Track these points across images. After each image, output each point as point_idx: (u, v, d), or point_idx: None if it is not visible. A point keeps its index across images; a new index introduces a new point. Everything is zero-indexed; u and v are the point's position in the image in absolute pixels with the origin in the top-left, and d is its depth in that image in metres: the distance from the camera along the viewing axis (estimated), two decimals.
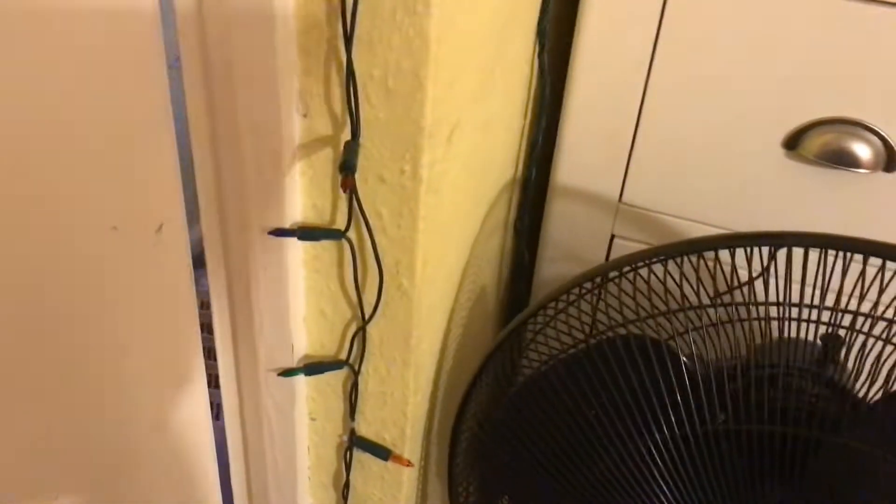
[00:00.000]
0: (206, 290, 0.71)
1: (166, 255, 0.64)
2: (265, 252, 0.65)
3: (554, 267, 0.99)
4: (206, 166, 0.63)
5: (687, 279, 0.69)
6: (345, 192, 0.54)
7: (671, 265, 0.71)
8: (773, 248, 0.67)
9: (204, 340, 0.74)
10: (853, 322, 0.66)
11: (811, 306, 0.67)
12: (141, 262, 0.62)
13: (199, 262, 0.69)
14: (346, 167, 0.54)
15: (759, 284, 0.67)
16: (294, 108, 0.58)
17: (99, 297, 0.59)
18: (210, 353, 0.77)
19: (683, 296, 0.69)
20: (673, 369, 0.67)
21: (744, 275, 0.68)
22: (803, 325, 0.68)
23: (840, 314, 0.66)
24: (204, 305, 0.72)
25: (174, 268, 0.66)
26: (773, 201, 0.83)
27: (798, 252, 0.65)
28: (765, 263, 0.67)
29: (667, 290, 0.69)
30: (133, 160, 0.58)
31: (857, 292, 0.65)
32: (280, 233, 0.62)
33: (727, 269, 0.69)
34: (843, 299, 0.65)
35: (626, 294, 0.70)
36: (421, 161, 0.58)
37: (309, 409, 0.75)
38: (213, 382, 0.80)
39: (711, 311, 0.69)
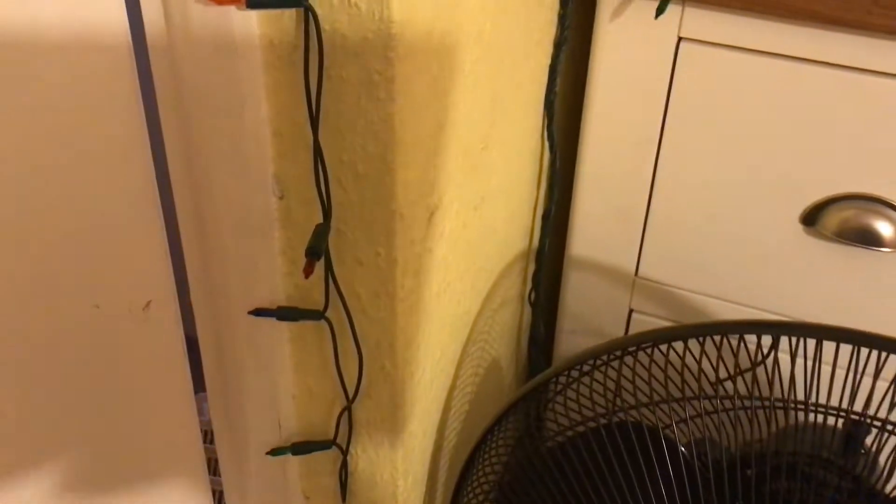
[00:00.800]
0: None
1: (155, 332, 0.65)
2: (250, 331, 0.65)
3: (573, 340, 0.96)
4: (191, 245, 0.63)
5: (710, 358, 0.66)
6: (306, 277, 0.53)
7: (682, 344, 0.68)
8: (796, 338, 0.63)
9: (203, 424, 0.74)
10: (884, 424, 0.62)
11: (838, 410, 0.63)
12: (127, 340, 0.62)
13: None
14: (312, 252, 0.54)
15: (782, 371, 0.64)
16: (270, 189, 0.58)
17: (86, 376, 0.60)
18: (210, 438, 0.77)
19: (684, 382, 0.66)
20: (672, 460, 0.64)
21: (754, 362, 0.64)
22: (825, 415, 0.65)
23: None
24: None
25: (165, 346, 0.66)
26: (791, 278, 0.80)
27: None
28: (766, 352, 0.64)
29: (677, 373, 0.66)
30: (117, 235, 0.59)
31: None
32: (260, 312, 0.62)
33: (743, 350, 0.66)
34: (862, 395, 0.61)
35: (637, 376, 0.68)
36: (395, 244, 0.57)
37: (303, 487, 0.74)
38: (213, 469, 0.80)
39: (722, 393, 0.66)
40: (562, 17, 0.79)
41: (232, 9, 0.49)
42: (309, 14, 0.49)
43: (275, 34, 0.52)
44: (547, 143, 0.85)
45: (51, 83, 0.48)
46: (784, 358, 0.62)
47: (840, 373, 0.61)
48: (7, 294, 0.51)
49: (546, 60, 0.80)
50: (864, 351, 0.61)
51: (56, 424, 0.58)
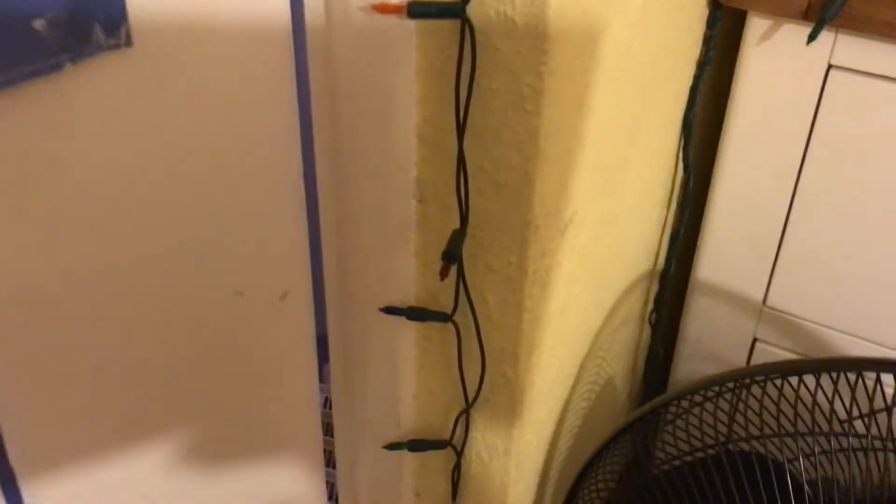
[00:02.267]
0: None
1: (290, 321, 0.68)
2: (379, 328, 0.67)
3: (692, 364, 0.95)
4: (330, 242, 0.66)
5: (840, 396, 0.64)
6: (442, 279, 0.55)
7: (811, 379, 0.67)
8: None
9: (323, 416, 0.77)
10: None
11: None
12: (264, 328, 0.66)
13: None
14: (448, 256, 0.55)
15: None
16: (411, 193, 0.60)
17: (222, 359, 0.63)
18: (328, 429, 0.80)
19: (814, 420, 0.65)
20: (796, 495, 0.63)
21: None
22: None
23: None
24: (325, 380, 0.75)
25: (297, 335, 0.69)
26: None
27: None
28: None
29: (806, 408, 0.65)
30: (263, 226, 0.62)
31: None
32: (391, 311, 0.64)
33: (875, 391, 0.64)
34: None
35: (763, 408, 0.66)
36: (527, 254, 0.58)
37: (414, 484, 0.76)
38: (331, 461, 0.83)
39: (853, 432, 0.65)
40: (707, 38, 0.78)
41: (393, 17, 0.52)
42: (466, 26, 0.50)
43: (430, 44, 0.53)
44: (682, 165, 0.84)
45: (214, 73, 0.52)
46: None
47: None
48: (159, 275, 0.54)
49: (688, 81, 0.79)
50: None
51: (188, 401, 0.61)
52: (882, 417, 0.63)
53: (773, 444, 0.66)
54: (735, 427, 0.68)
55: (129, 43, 0.44)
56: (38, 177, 0.44)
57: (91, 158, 0.46)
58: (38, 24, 0.39)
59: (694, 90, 0.80)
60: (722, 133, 0.80)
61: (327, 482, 0.82)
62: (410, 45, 0.54)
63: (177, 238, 0.54)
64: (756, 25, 0.74)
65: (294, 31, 0.56)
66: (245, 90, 0.55)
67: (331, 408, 0.77)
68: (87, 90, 0.44)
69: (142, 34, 0.46)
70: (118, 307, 0.52)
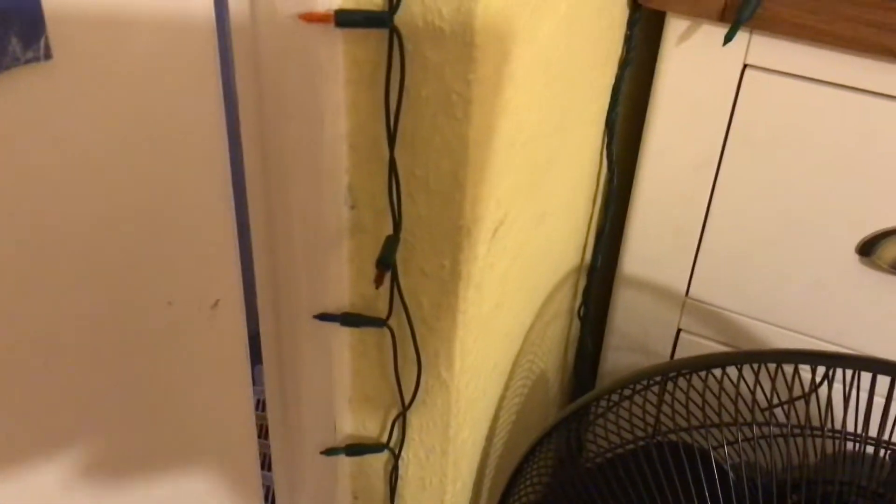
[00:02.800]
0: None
1: (221, 329, 0.67)
2: (313, 334, 0.67)
3: (619, 356, 0.97)
4: (262, 250, 0.66)
5: (762, 385, 0.67)
6: (377, 287, 0.55)
7: (734, 370, 0.69)
8: (830, 370, 0.64)
9: (258, 418, 0.77)
10: None
11: (888, 443, 0.64)
12: (195, 337, 0.65)
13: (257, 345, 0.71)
14: (382, 263, 0.56)
15: (830, 400, 0.65)
16: (343, 200, 0.60)
17: (153, 368, 0.62)
18: (263, 432, 0.79)
19: (737, 410, 0.67)
20: (721, 481, 0.65)
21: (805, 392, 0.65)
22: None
23: None
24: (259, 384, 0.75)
25: (229, 342, 0.69)
26: (845, 307, 0.80)
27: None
28: (820, 381, 0.64)
29: (729, 398, 0.67)
30: (191, 235, 0.61)
31: None
32: (325, 317, 0.64)
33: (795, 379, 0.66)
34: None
35: (689, 400, 0.69)
36: (459, 257, 0.59)
37: (352, 487, 0.76)
38: (266, 464, 0.82)
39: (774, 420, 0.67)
40: (628, 38, 0.80)
41: (320, 25, 0.51)
42: (394, 35, 0.51)
43: (359, 52, 0.53)
44: (605, 162, 0.86)
45: (137, 83, 0.51)
46: (837, 388, 0.63)
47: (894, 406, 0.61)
48: (88, 285, 0.53)
49: (610, 80, 0.81)
50: None
51: (119, 408, 0.60)
52: (801, 405, 0.66)
53: (700, 433, 0.68)
54: (663, 419, 0.70)
55: (48, 55, 0.43)
56: None
57: (12, 174, 0.45)
58: None
59: (616, 90, 0.82)
60: (643, 130, 0.82)
61: (264, 485, 0.82)
62: (338, 53, 0.53)
63: (105, 249, 0.53)
64: (674, 26, 0.76)
65: (219, 37, 0.56)
66: (169, 99, 0.54)
67: (265, 410, 0.76)
68: (2, 106, 0.43)
69: (62, 45, 0.45)
70: (44, 318, 0.51)
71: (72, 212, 0.50)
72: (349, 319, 0.64)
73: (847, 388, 0.63)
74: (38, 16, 0.42)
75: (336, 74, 0.54)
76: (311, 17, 0.51)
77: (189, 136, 0.57)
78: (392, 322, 0.63)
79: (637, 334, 0.94)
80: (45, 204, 0.48)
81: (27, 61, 0.42)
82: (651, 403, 0.73)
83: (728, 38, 0.71)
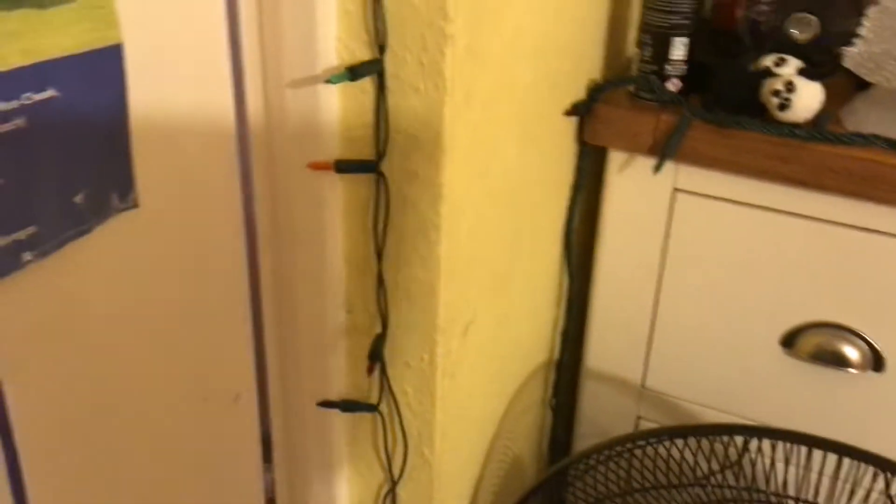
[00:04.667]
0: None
1: (241, 419, 0.80)
2: (316, 420, 0.79)
3: (589, 442, 1.09)
4: (273, 348, 0.79)
5: (704, 453, 0.79)
6: (369, 375, 0.68)
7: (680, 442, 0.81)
8: (746, 440, 0.77)
9: (268, 493, 0.88)
10: None
11: (797, 499, 0.76)
12: (221, 427, 0.77)
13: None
14: (372, 356, 0.69)
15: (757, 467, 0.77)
16: (341, 305, 0.74)
17: (183, 454, 0.74)
18: None
19: (682, 473, 0.79)
20: None
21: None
22: None
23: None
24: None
25: (247, 431, 0.81)
26: (773, 392, 0.93)
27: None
28: (741, 453, 0.77)
29: (676, 464, 0.79)
30: (220, 340, 0.74)
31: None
32: (326, 404, 0.77)
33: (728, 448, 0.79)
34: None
35: (644, 468, 0.81)
36: (436, 351, 0.72)
37: None
38: None
39: (699, 490, 0.79)
40: (578, 168, 0.95)
41: (324, 172, 0.66)
42: (380, 178, 0.66)
43: (352, 189, 0.68)
44: (566, 270, 1.00)
45: (189, 224, 0.65)
46: (764, 457, 0.75)
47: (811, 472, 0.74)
48: (144, 388, 0.66)
49: (565, 201, 0.96)
50: (822, 453, 0.74)
51: (148, 491, 0.72)
52: (735, 469, 0.78)
53: (652, 495, 0.80)
54: (622, 484, 0.81)
55: (136, 205, 0.58)
56: (71, 320, 0.56)
57: (107, 299, 0.59)
58: (78, 198, 0.53)
59: (571, 209, 0.97)
60: (595, 243, 0.97)
61: None
62: (338, 191, 0.68)
63: (155, 357, 0.66)
64: (615, 158, 0.92)
65: (243, 182, 0.71)
66: (204, 234, 0.68)
67: (275, 488, 0.88)
68: (105, 246, 0.57)
69: (144, 198, 0.60)
70: (115, 416, 0.63)
71: (139, 328, 0.63)
72: (347, 406, 0.76)
73: (770, 456, 0.75)
74: (130, 174, 0.57)
75: (336, 207, 0.69)
76: (316, 166, 0.66)
77: (219, 261, 0.71)
78: (382, 408, 0.76)
79: (603, 423, 1.06)
80: (124, 320, 0.61)
81: (121, 211, 0.57)
82: (612, 472, 0.86)
83: (657, 169, 0.86)
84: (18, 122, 0.48)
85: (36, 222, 0.51)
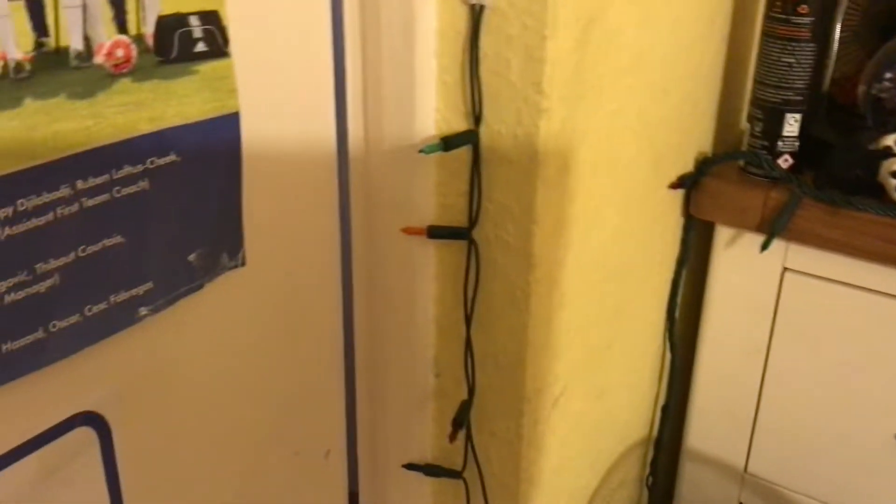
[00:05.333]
0: None
1: (330, 475, 0.81)
2: (400, 481, 0.80)
3: None
4: (363, 409, 0.80)
5: None
6: (451, 442, 0.68)
7: None
8: None
9: None
10: None
11: None
12: (312, 482, 0.78)
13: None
14: (456, 422, 0.69)
15: None
16: (429, 369, 0.74)
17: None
18: None
19: None
20: None
21: None
22: None
23: None
24: None
25: (335, 487, 0.82)
26: (884, 487, 0.87)
27: None
28: None
29: None
30: (315, 398, 0.76)
31: None
32: (411, 467, 0.77)
33: None
34: None
35: None
36: (522, 422, 0.71)
37: None
38: None
39: None
40: (684, 241, 0.93)
41: (416, 237, 0.68)
42: (472, 245, 0.66)
43: (444, 255, 0.69)
44: (668, 345, 0.98)
45: (291, 281, 0.68)
46: None
47: None
48: (243, 443, 0.68)
49: (669, 275, 0.94)
50: None
51: None
52: None
53: None
54: None
55: (244, 263, 0.61)
56: (178, 372, 0.59)
57: (212, 353, 0.62)
58: (192, 257, 0.56)
59: (675, 283, 0.94)
60: (700, 320, 0.94)
61: None
62: (430, 256, 0.69)
63: (254, 411, 0.68)
64: (722, 234, 0.89)
65: (343, 250, 0.73)
66: (307, 296, 0.71)
67: None
68: (214, 302, 0.60)
69: (250, 257, 0.62)
70: (210, 463, 0.65)
71: (235, 382, 0.66)
72: (431, 470, 0.76)
73: None
74: (240, 234, 0.60)
75: (428, 272, 0.70)
76: (410, 231, 0.67)
77: (317, 319, 0.73)
78: (466, 474, 0.76)
79: None
80: (228, 375, 0.64)
81: (230, 268, 0.60)
82: None
83: (764, 247, 0.84)
84: (142, 184, 0.52)
85: (152, 279, 0.55)
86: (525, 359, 0.69)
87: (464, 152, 0.65)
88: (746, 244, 0.88)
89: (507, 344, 0.69)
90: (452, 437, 0.68)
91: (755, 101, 0.85)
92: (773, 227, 0.83)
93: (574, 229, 0.69)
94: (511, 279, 0.67)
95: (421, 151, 0.61)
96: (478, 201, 0.65)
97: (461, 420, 0.69)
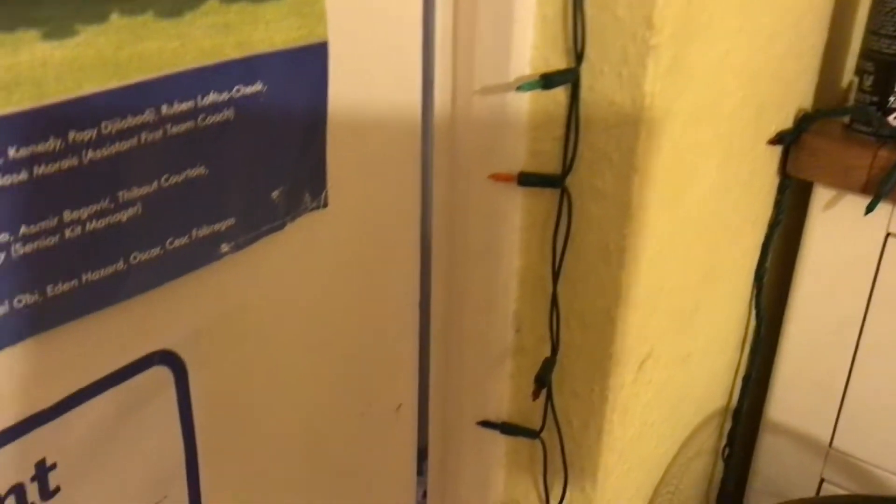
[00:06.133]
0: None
1: (402, 430, 0.78)
2: (474, 439, 0.77)
3: (761, 500, 1.00)
4: (438, 362, 0.77)
5: None
6: (533, 400, 0.65)
7: None
8: None
9: None
10: None
11: None
12: (381, 435, 0.76)
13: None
14: (539, 380, 0.66)
15: None
16: (509, 324, 0.71)
17: (342, 464, 0.73)
18: None
19: None
20: None
21: None
22: None
23: None
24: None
25: (406, 441, 0.79)
26: None
27: None
28: None
29: None
30: (389, 348, 0.73)
31: None
32: (486, 424, 0.74)
33: None
34: None
35: None
36: (608, 384, 0.68)
37: None
38: None
39: None
40: (778, 202, 0.88)
41: (505, 184, 0.64)
42: (564, 193, 0.62)
43: (532, 204, 0.65)
44: (754, 312, 0.93)
45: (369, 225, 0.65)
46: None
47: None
48: (310, 398, 0.66)
49: (760, 238, 0.89)
50: None
51: (304, 486, 0.71)
52: None
53: None
54: None
55: (325, 204, 0.58)
56: (257, 313, 0.57)
57: (290, 296, 0.59)
58: (275, 194, 0.53)
59: (766, 246, 0.89)
60: (791, 287, 0.89)
61: None
62: (517, 205, 0.66)
63: (329, 358, 0.66)
64: (821, 195, 0.84)
65: (423, 192, 0.69)
66: (385, 244, 0.67)
67: (425, 498, 0.86)
68: (295, 244, 0.57)
69: (332, 197, 0.60)
70: (282, 410, 0.63)
71: (312, 326, 0.63)
72: (507, 428, 0.73)
73: None
74: (324, 173, 0.57)
75: (514, 222, 0.66)
76: (499, 178, 0.63)
77: (395, 268, 0.70)
78: (544, 435, 0.72)
79: (780, 480, 0.98)
80: (299, 321, 0.61)
81: (312, 209, 0.57)
82: None
83: (870, 209, 0.78)
84: (227, 113, 0.49)
85: (234, 215, 0.52)
86: (616, 317, 0.65)
87: (561, 94, 0.60)
88: (847, 207, 0.83)
89: (597, 300, 0.65)
90: (535, 395, 0.65)
91: (866, 53, 0.79)
92: (879, 189, 0.77)
93: (673, 180, 0.64)
94: (605, 231, 0.63)
95: (519, 89, 0.57)
96: (574, 146, 0.61)
97: (545, 377, 0.66)
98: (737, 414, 0.99)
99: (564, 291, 0.67)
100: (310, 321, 0.63)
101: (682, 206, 0.67)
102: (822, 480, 0.94)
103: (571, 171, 0.62)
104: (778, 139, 0.82)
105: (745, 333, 0.95)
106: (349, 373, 0.69)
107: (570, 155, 0.61)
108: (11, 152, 0.40)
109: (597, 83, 0.59)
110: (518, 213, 0.66)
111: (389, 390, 0.74)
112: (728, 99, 0.69)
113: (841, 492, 0.93)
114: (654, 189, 0.62)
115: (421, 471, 0.83)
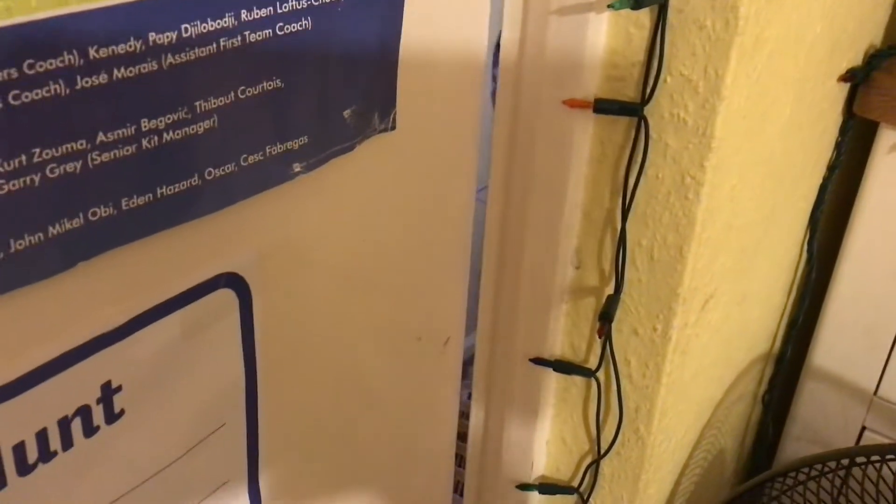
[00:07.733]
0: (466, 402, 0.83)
1: (448, 363, 0.76)
2: (524, 376, 0.75)
3: (799, 446, 1.00)
4: (488, 294, 0.75)
5: None
6: (600, 337, 0.63)
7: None
8: None
9: (457, 448, 0.85)
10: None
11: None
12: (430, 368, 0.74)
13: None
14: (604, 317, 0.63)
15: None
16: (570, 260, 0.69)
17: (388, 392, 0.72)
18: (460, 461, 0.87)
19: None
20: None
21: None
22: None
23: None
24: (463, 415, 0.83)
25: (451, 376, 0.78)
26: None
27: None
28: None
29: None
30: (439, 279, 0.71)
31: None
32: (539, 361, 0.72)
33: None
34: None
35: (864, 492, 0.72)
36: (672, 323, 0.66)
37: None
38: (459, 489, 0.90)
39: None
40: (839, 144, 0.85)
41: (578, 111, 0.61)
42: (642, 123, 0.59)
43: (605, 134, 0.62)
44: (806, 256, 0.91)
45: (433, 151, 0.62)
46: None
47: None
48: (363, 321, 0.64)
49: (818, 180, 0.86)
50: None
51: (348, 424, 0.70)
52: None
53: None
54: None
55: (394, 127, 0.55)
56: (324, 237, 0.55)
57: (357, 220, 0.57)
58: (347, 113, 0.50)
59: (823, 189, 0.87)
60: (847, 231, 0.87)
61: None
62: (588, 134, 0.63)
63: (383, 290, 0.63)
64: (887, 137, 0.81)
65: (485, 111, 0.66)
66: (446, 172, 0.65)
67: (465, 440, 0.84)
68: (364, 165, 0.54)
69: (401, 120, 0.56)
70: (336, 339, 0.61)
71: (373, 251, 0.60)
72: (561, 366, 0.72)
73: None
74: (394, 94, 0.54)
75: (583, 152, 0.63)
76: (573, 104, 0.60)
77: (452, 197, 0.67)
78: (600, 374, 0.71)
79: (820, 427, 0.96)
80: (359, 245, 0.59)
81: (380, 131, 0.54)
82: (826, 491, 0.76)
83: None
84: (305, 23, 0.46)
85: (308, 133, 0.49)
86: (687, 254, 0.63)
87: (645, 17, 0.57)
88: None
89: (668, 236, 0.63)
90: (601, 332, 0.63)
91: None
92: None
93: (756, 113, 0.61)
94: (683, 164, 0.60)
95: (609, 7, 0.53)
96: (657, 72, 0.57)
97: (609, 314, 0.64)
98: (780, 359, 0.97)
99: (633, 227, 0.64)
100: (370, 247, 0.60)
101: (761, 141, 0.64)
102: (863, 428, 0.93)
103: (651, 99, 0.59)
104: (849, 76, 0.78)
105: (795, 277, 0.92)
106: (401, 303, 0.67)
107: (651, 82, 0.58)
108: (92, 52, 0.37)
109: (687, 6, 0.55)
110: (588, 143, 0.63)
111: (439, 323, 0.72)
112: (810, 28, 0.65)
113: (883, 440, 0.92)
114: (738, 121, 0.59)
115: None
